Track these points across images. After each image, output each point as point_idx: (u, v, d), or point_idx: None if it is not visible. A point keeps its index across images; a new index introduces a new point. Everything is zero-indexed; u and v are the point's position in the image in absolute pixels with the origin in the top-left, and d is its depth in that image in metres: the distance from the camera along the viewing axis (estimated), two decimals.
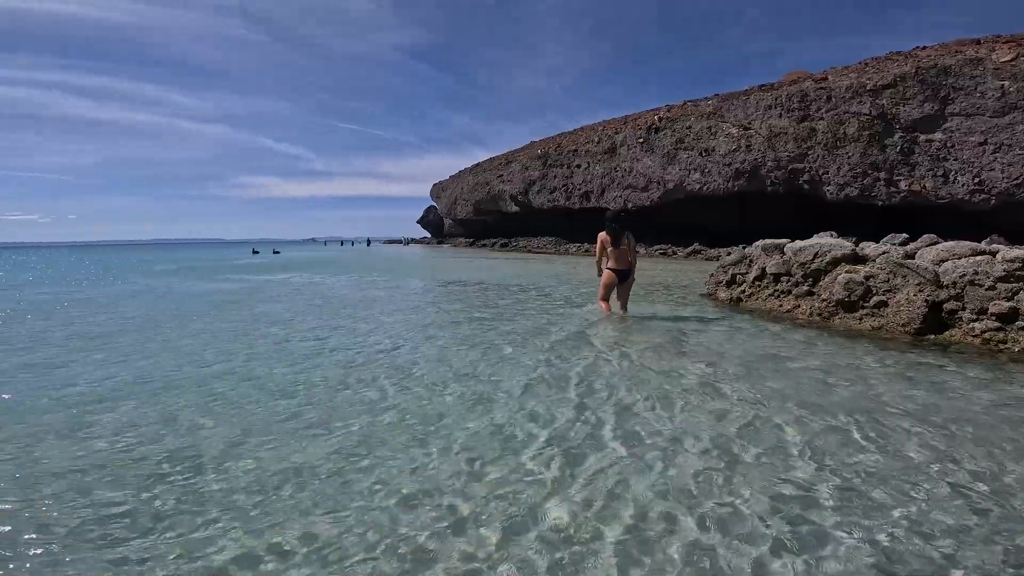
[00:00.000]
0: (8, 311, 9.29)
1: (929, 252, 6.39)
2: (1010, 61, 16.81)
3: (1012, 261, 5.40)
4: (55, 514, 2.34)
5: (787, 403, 3.65)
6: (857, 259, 6.97)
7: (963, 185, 17.73)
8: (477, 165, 50.90)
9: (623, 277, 7.26)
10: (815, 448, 2.92)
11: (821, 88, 21.54)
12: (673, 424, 3.28)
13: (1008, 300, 5.33)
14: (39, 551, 2.08)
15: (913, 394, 3.85)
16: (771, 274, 7.83)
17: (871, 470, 2.65)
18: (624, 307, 7.37)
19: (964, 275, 5.71)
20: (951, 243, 6.34)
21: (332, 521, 2.26)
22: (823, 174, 21.14)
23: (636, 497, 2.41)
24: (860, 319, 6.31)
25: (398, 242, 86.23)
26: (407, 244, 75.22)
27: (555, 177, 36.62)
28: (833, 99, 20.91)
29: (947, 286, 5.82)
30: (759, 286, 8.12)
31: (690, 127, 26.69)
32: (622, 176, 30.88)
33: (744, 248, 9.53)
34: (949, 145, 17.97)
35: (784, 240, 8.06)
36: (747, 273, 8.47)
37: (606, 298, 7.46)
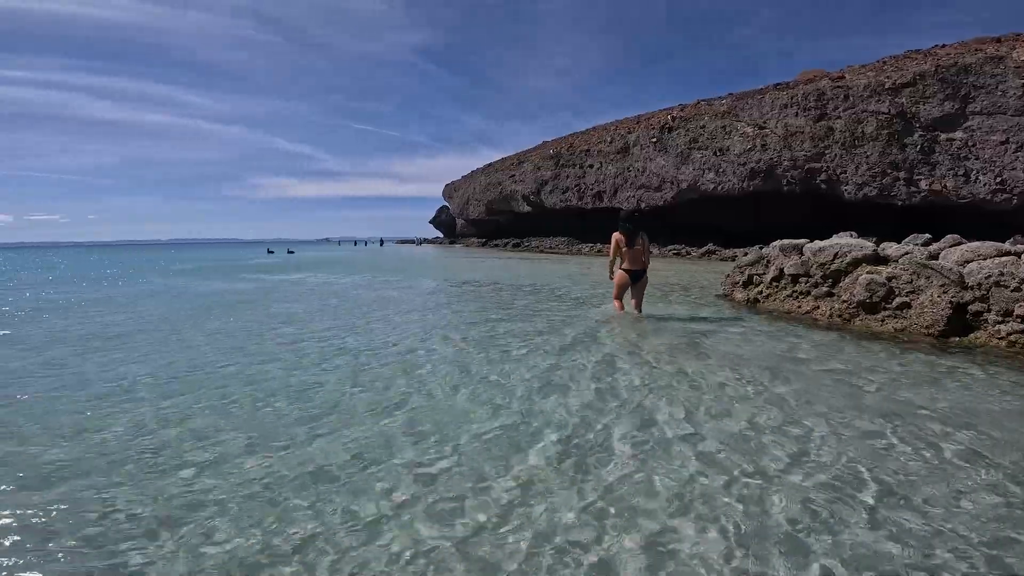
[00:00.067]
0: (29, 309, 9.46)
1: (953, 253, 6.26)
2: None
3: None
4: (61, 513, 2.36)
5: (815, 406, 3.58)
6: (878, 260, 6.85)
7: (985, 184, 17.39)
8: (489, 165, 50.94)
9: (637, 277, 7.22)
10: (850, 453, 2.85)
11: (838, 87, 21.24)
12: (701, 429, 3.22)
13: None
14: (44, 550, 2.09)
15: (943, 397, 3.77)
16: (789, 275, 7.73)
17: (911, 476, 2.58)
18: (639, 307, 7.33)
19: (989, 276, 5.59)
20: (976, 243, 6.22)
21: (336, 522, 2.25)
22: (841, 173, 20.85)
23: (665, 505, 2.34)
24: (882, 321, 6.20)
25: (411, 242, 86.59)
26: (419, 244, 75.50)
27: (567, 177, 36.52)
28: (851, 98, 20.61)
29: (972, 287, 5.71)
30: (776, 287, 8.02)
31: (704, 126, 26.48)
32: (635, 176, 30.71)
33: (761, 248, 9.43)
34: (970, 144, 17.64)
35: (803, 240, 7.95)
36: (764, 274, 8.37)
37: (620, 297, 7.45)
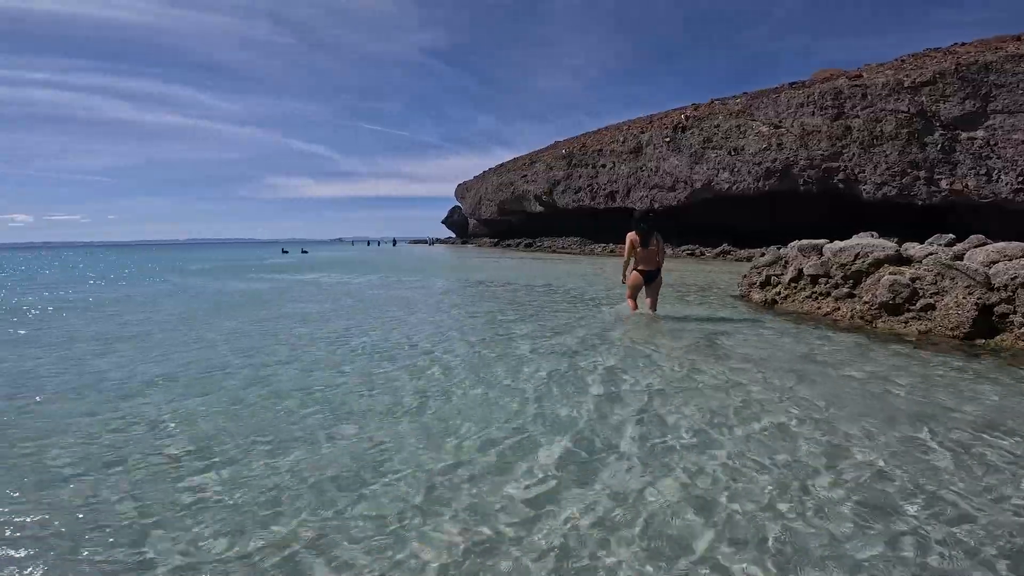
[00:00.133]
0: (50, 309, 9.63)
1: (979, 253, 6.15)
2: None
3: None
4: (73, 512, 2.37)
5: (846, 410, 3.51)
6: (901, 260, 6.75)
7: (1007, 184, 17.07)
8: (501, 165, 50.97)
9: (651, 278, 7.20)
10: (889, 459, 2.77)
11: (856, 85, 20.97)
12: (731, 434, 3.13)
13: None
14: (53, 548, 2.11)
15: (975, 401, 3.70)
16: (808, 275, 7.64)
17: (954, 483, 2.52)
18: (653, 307, 7.30)
19: (1016, 277, 5.48)
20: (1002, 244, 6.10)
21: (342, 523, 2.25)
22: (859, 173, 20.58)
23: (698, 514, 2.28)
24: (905, 323, 6.11)
25: (423, 242, 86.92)
26: (432, 244, 75.76)
27: (580, 177, 36.43)
28: (869, 96, 20.34)
29: (998, 288, 5.60)
30: (795, 288, 7.93)
31: (718, 126, 26.27)
32: (648, 176, 30.55)
33: (779, 249, 9.33)
34: (992, 143, 17.34)
35: (822, 240, 7.85)
36: (783, 274, 8.28)
37: (634, 297, 7.45)
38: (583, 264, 21.32)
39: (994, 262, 5.86)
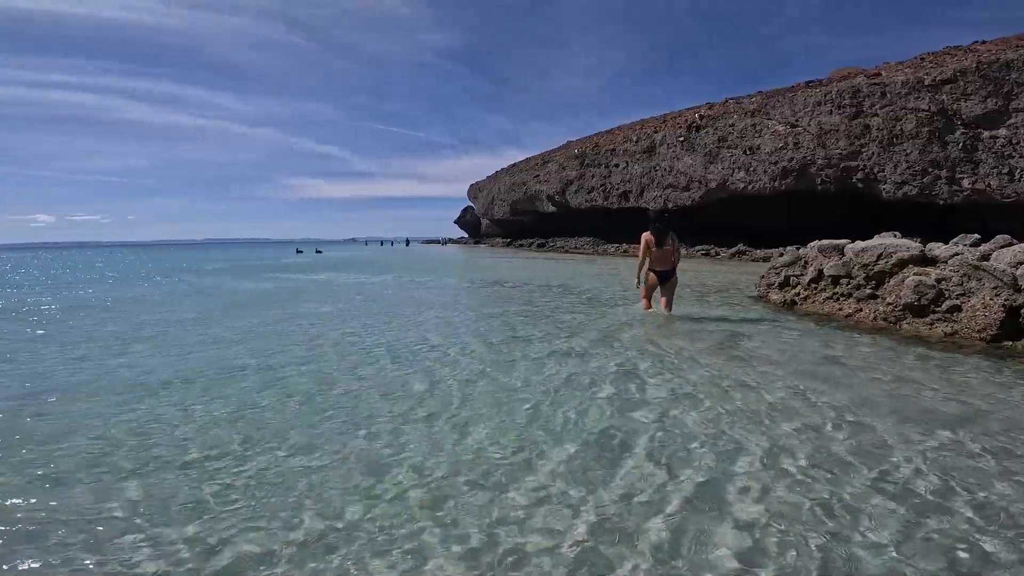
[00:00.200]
0: (70, 308, 9.81)
1: (1005, 254, 6.04)
2: None
3: None
4: (80, 509, 2.41)
5: (879, 414, 3.43)
6: (926, 261, 6.64)
7: None
8: (514, 165, 50.97)
9: (666, 278, 7.18)
10: (931, 465, 2.68)
11: (875, 84, 20.68)
12: (767, 438, 3.04)
13: None
14: (67, 545, 2.14)
15: (1007, 403, 3.64)
16: (829, 276, 7.55)
17: (1000, 489, 2.44)
18: (669, 307, 7.27)
19: None
20: None
21: (349, 523, 2.26)
22: (879, 172, 20.28)
23: (736, 525, 2.21)
24: (931, 324, 6.01)
25: (436, 242, 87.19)
26: (445, 244, 75.97)
27: (593, 177, 36.31)
28: (888, 95, 20.05)
29: None
30: (815, 288, 7.84)
31: (733, 125, 26.05)
32: (662, 175, 30.37)
33: (798, 249, 9.23)
34: (1014, 141, 17.02)
35: (843, 240, 7.76)
36: (802, 275, 8.19)
37: (649, 297, 7.46)
38: (597, 264, 21.25)
39: (1021, 263, 5.75)
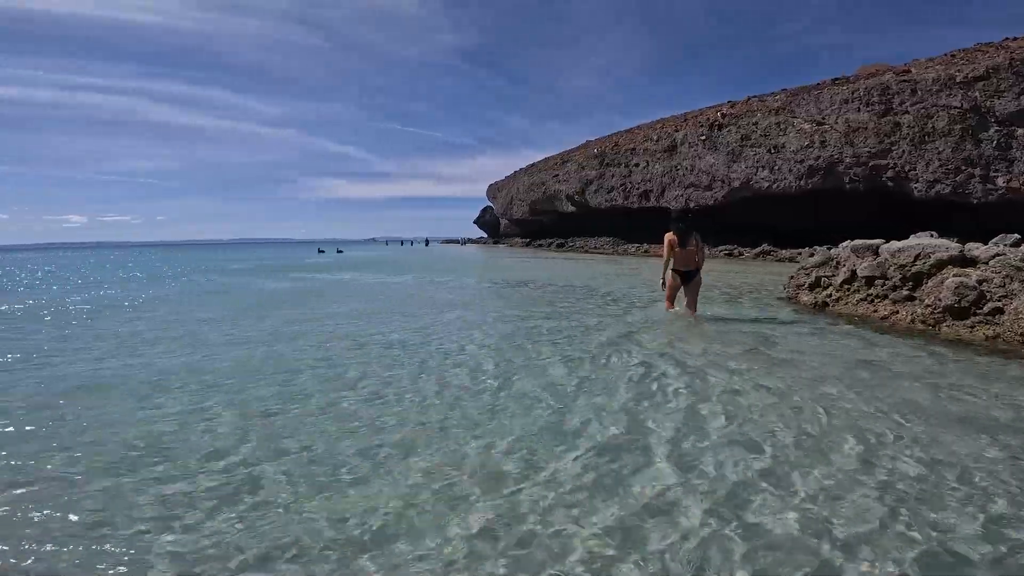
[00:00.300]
0: (95, 307, 10.05)
1: None
2: None
3: None
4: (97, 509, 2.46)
5: (932, 422, 3.29)
6: (966, 261, 6.45)
7: None
8: (532, 165, 50.93)
9: (689, 278, 7.10)
10: (1000, 483, 2.53)
11: (904, 81, 20.19)
12: (821, 452, 2.88)
13: None
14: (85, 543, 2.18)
15: None
16: (863, 277, 7.37)
17: None
18: (693, 308, 7.18)
19: None
20: None
21: (354, 525, 2.26)
22: (910, 170, 19.79)
23: (784, 537, 2.15)
24: (972, 327, 5.83)
25: (455, 242, 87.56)
26: (464, 244, 76.26)
27: (612, 176, 36.10)
28: (919, 92, 19.56)
29: None
30: (848, 290, 7.66)
31: (756, 123, 25.66)
32: (683, 174, 30.05)
33: (829, 249, 9.04)
34: None
35: (878, 240, 7.57)
36: (834, 276, 8.01)
37: (672, 298, 7.40)
38: (618, 264, 21.11)
39: None
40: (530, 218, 50.51)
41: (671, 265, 7.10)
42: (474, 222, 77.24)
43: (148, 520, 2.29)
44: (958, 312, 5.96)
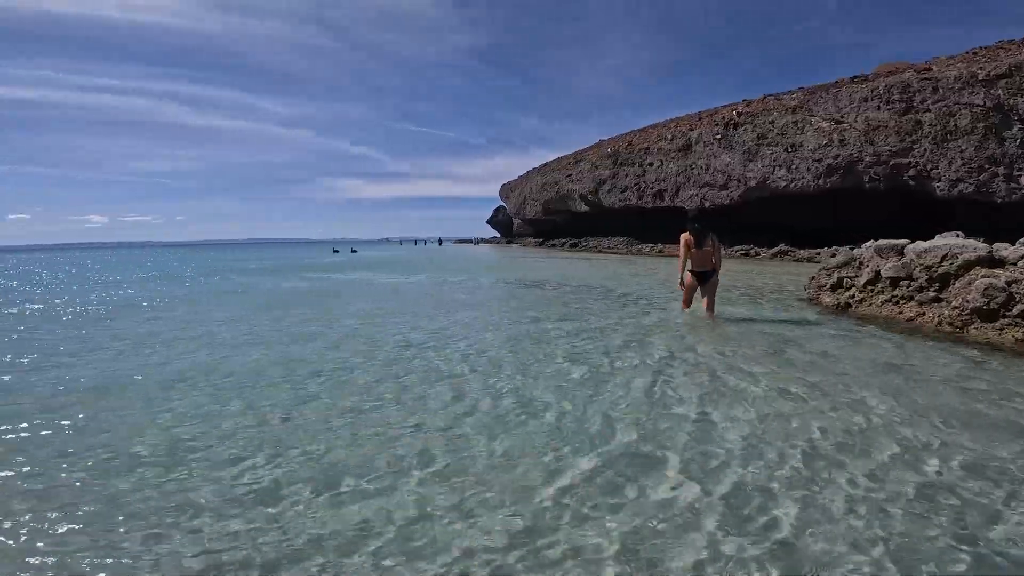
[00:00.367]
0: (112, 307, 10.18)
1: None
2: None
3: None
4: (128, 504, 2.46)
5: (973, 428, 3.18)
6: (994, 262, 6.30)
7: None
8: (545, 165, 50.82)
9: (706, 279, 7.05)
10: None
11: (925, 79, 19.80)
12: (858, 461, 2.80)
13: None
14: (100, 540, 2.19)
15: None
16: (887, 278, 7.23)
17: None
18: (711, 308, 7.12)
19: None
20: None
21: (358, 524, 2.26)
22: (932, 169, 19.42)
23: (821, 552, 2.11)
24: (1001, 330, 5.69)
25: (468, 242, 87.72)
26: (477, 244, 76.37)
27: (626, 176, 35.88)
28: (940, 90, 19.17)
29: None
30: (872, 291, 7.53)
31: (773, 122, 25.33)
32: (698, 174, 29.77)
33: (851, 249, 8.89)
34: None
35: (903, 241, 7.42)
36: (857, 276, 7.87)
37: (688, 301, 7.38)
38: (633, 264, 20.97)
39: None
40: (543, 218, 50.41)
41: (689, 266, 7.07)
42: (487, 222, 77.31)
43: (163, 524, 2.30)
44: (987, 314, 5.82)
